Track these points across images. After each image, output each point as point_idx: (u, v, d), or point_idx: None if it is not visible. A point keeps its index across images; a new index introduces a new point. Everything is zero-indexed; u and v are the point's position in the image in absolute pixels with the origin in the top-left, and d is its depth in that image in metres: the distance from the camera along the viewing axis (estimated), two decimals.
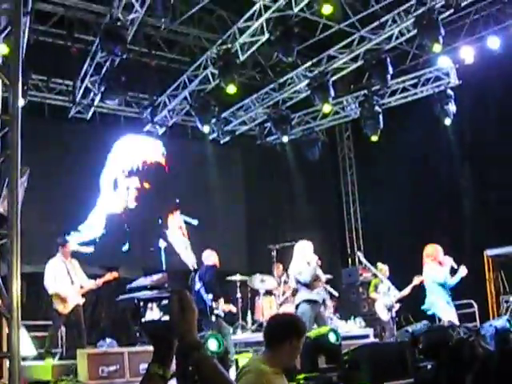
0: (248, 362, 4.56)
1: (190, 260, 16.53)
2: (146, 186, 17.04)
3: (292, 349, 4.47)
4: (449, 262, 11.56)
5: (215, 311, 11.27)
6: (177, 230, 17.10)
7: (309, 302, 10.70)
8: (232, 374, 7.99)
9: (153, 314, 2.46)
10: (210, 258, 12.11)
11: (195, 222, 17.12)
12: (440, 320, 11.72)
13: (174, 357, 2.47)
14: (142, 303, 2.47)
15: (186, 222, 17.10)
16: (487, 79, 15.38)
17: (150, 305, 2.48)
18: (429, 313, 11.61)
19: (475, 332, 6.99)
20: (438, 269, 11.55)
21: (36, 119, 15.50)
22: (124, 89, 14.70)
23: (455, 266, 11.51)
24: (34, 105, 15.34)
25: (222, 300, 11.67)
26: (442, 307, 11.47)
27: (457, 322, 11.03)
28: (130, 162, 17.07)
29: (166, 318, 2.43)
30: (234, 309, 13.52)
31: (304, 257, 11.01)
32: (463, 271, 11.62)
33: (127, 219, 16.49)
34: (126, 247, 16.24)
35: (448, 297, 11.55)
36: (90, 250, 15.40)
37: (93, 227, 16.02)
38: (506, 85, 15.23)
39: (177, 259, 16.58)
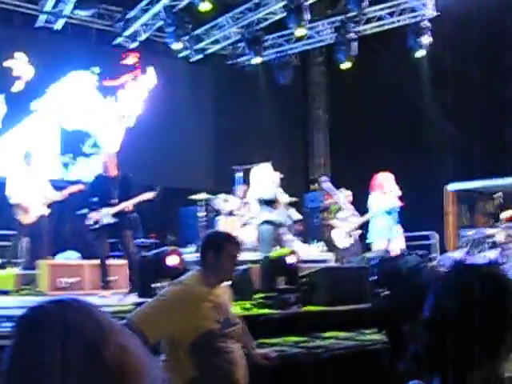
0: (186, 276, 4.59)
1: None
2: None
3: (216, 262, 4.48)
4: (395, 189, 11.72)
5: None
6: None
7: (269, 222, 10.75)
8: None
9: None
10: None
11: None
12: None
13: None
14: None
15: None
16: (466, 13, 15.25)
17: None
18: (367, 241, 11.81)
19: (427, 258, 7.13)
20: (382, 197, 11.70)
21: (3, 27, 15.19)
22: (96, 0, 14.41)
23: (399, 193, 11.68)
24: (1, 12, 14.99)
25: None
26: (376, 236, 11.66)
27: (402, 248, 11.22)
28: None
29: None
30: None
31: (264, 178, 11.02)
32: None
33: None
34: None
35: (391, 226, 11.70)
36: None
37: None
38: (485, 20, 15.13)
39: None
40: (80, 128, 16.29)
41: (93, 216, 10.34)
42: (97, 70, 16.79)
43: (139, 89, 17.37)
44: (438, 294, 1.81)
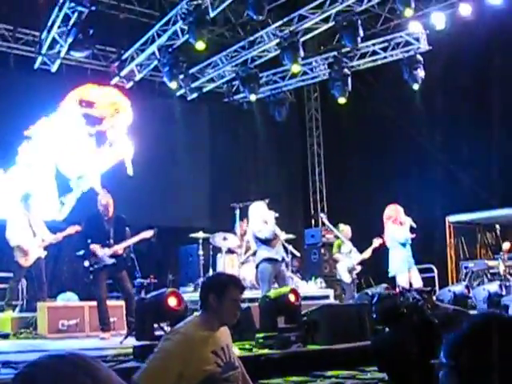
0: (183, 323, 4.52)
1: None
2: None
3: (218, 307, 4.42)
4: (408, 221, 11.67)
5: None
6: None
7: (269, 260, 10.70)
8: None
9: None
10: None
11: None
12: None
13: None
14: None
15: None
16: (458, 46, 15.40)
17: None
18: (390, 275, 11.71)
19: (428, 294, 7.11)
20: (398, 229, 11.66)
21: (1, 70, 15.30)
22: (91, 41, 14.48)
23: (414, 226, 11.63)
24: None
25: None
26: (398, 269, 11.57)
27: (406, 286, 11.13)
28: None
29: None
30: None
31: (260, 217, 11.00)
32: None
33: None
34: None
35: (409, 257, 11.66)
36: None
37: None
38: (477, 52, 15.27)
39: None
40: (75, 175, 16.11)
41: (92, 257, 10.34)
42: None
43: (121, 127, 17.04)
44: (465, 343, 1.82)
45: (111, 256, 10.41)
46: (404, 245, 11.62)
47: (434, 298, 10.28)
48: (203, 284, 4.75)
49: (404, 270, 11.54)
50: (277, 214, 11.01)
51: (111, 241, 10.50)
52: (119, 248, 10.51)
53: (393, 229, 11.74)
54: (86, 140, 16.24)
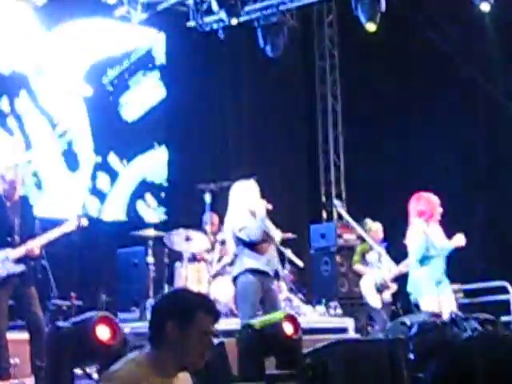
0: (123, 363, 4.39)
1: None
2: None
3: (180, 341, 4.32)
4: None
5: None
6: None
7: (254, 272, 10.70)
8: None
9: None
10: None
11: None
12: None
13: None
14: None
15: None
16: None
17: None
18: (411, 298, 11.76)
19: (494, 324, 7.15)
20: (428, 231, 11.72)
21: None
22: None
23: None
24: None
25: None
26: (424, 289, 11.62)
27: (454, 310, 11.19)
28: None
29: None
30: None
31: (245, 206, 10.94)
32: (459, 241, 11.75)
33: None
34: None
35: (441, 274, 11.70)
36: None
37: None
38: None
39: None
40: None
41: None
42: None
43: None
44: None
45: (18, 261, 10.31)
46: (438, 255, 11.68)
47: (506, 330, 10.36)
48: (157, 306, 4.66)
49: (432, 293, 11.58)
50: (270, 206, 10.93)
51: (16, 237, 10.40)
52: (35, 246, 10.40)
53: (421, 230, 11.77)
54: None
